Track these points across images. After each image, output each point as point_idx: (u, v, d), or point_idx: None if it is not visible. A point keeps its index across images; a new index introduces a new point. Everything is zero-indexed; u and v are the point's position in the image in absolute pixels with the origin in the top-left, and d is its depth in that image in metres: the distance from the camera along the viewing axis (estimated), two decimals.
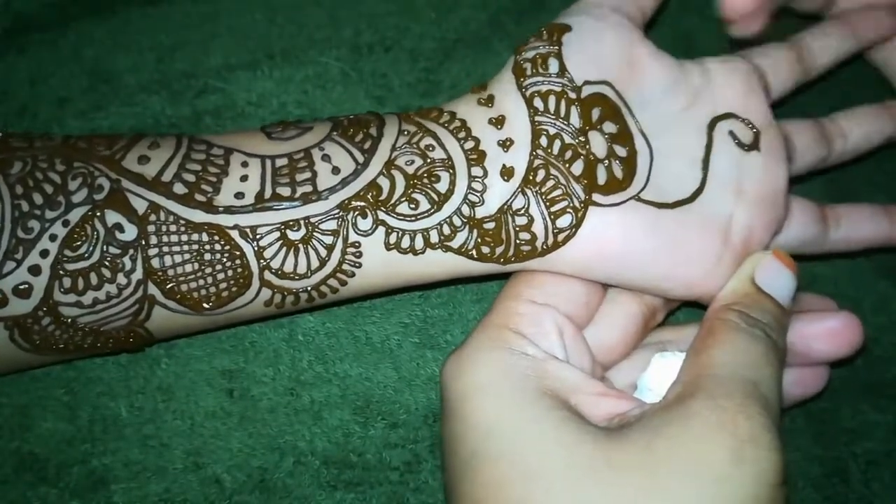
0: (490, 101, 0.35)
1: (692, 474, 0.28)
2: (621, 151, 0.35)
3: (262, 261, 0.33)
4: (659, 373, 0.35)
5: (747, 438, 0.29)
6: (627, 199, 0.34)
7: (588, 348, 0.35)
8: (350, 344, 0.39)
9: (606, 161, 0.34)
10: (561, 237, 0.33)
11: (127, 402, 0.37)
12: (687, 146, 0.36)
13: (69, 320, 0.32)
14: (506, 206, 0.34)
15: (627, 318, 0.36)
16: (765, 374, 0.31)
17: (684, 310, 0.41)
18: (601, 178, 0.34)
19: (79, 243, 0.31)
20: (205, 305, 0.33)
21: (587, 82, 0.35)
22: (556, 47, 0.35)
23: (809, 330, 0.35)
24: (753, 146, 0.36)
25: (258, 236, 0.32)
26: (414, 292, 0.40)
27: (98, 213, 0.32)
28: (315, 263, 0.33)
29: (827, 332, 0.35)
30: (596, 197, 0.34)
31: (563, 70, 0.35)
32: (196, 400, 0.38)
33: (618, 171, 0.34)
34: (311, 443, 0.38)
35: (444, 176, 0.34)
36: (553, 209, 0.33)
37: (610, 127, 0.35)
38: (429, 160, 0.34)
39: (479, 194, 0.34)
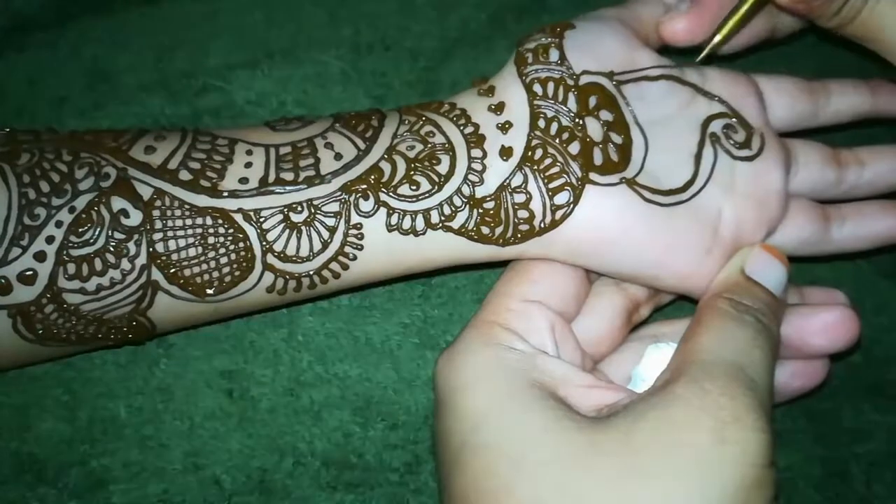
0: (490, 91, 0.36)
1: (673, 456, 0.28)
2: (617, 139, 0.35)
3: (264, 243, 0.33)
4: (653, 363, 0.35)
5: (730, 419, 0.29)
6: (623, 181, 0.34)
7: (577, 342, 0.35)
8: (350, 344, 0.39)
9: (602, 145, 0.35)
10: (559, 214, 0.34)
11: (126, 402, 0.37)
12: (681, 142, 0.36)
13: (72, 307, 0.32)
14: (505, 184, 0.34)
15: (613, 311, 0.36)
16: (753, 358, 0.31)
17: (685, 308, 0.41)
18: (597, 159, 0.35)
19: (84, 229, 0.32)
20: (208, 291, 0.33)
21: (586, 72, 0.36)
22: (558, 39, 0.36)
23: (805, 324, 0.35)
24: (745, 145, 0.37)
25: (261, 219, 0.33)
26: (414, 293, 0.40)
27: (104, 200, 0.32)
28: (317, 246, 0.33)
29: (823, 326, 0.35)
30: (593, 176, 0.34)
31: (562, 59, 0.36)
32: (195, 400, 0.37)
33: (613, 155, 0.35)
34: (310, 443, 0.38)
35: (445, 158, 0.34)
36: (551, 185, 0.34)
37: (606, 115, 0.35)
38: (429, 145, 0.34)
39: (478, 174, 0.34)
